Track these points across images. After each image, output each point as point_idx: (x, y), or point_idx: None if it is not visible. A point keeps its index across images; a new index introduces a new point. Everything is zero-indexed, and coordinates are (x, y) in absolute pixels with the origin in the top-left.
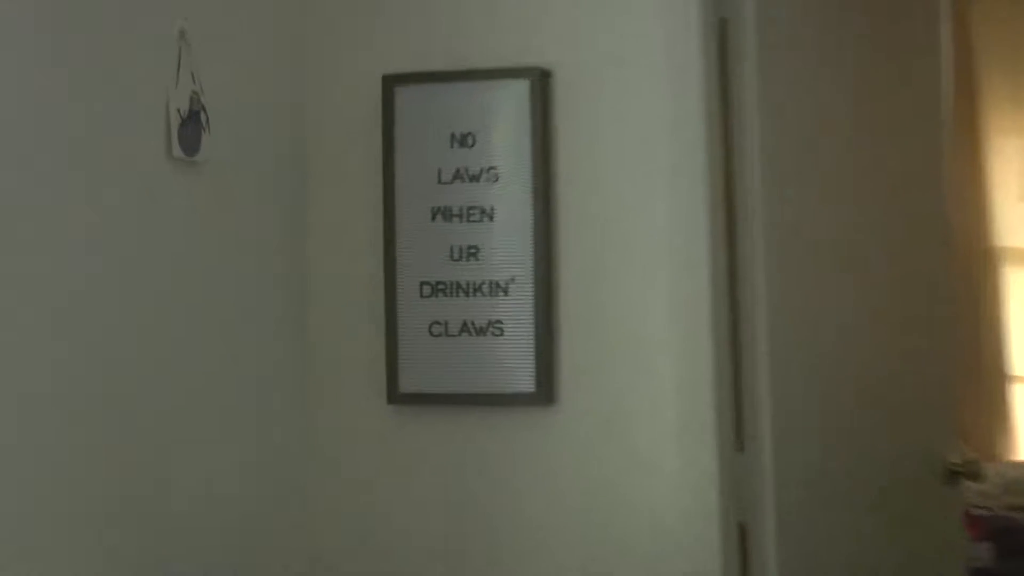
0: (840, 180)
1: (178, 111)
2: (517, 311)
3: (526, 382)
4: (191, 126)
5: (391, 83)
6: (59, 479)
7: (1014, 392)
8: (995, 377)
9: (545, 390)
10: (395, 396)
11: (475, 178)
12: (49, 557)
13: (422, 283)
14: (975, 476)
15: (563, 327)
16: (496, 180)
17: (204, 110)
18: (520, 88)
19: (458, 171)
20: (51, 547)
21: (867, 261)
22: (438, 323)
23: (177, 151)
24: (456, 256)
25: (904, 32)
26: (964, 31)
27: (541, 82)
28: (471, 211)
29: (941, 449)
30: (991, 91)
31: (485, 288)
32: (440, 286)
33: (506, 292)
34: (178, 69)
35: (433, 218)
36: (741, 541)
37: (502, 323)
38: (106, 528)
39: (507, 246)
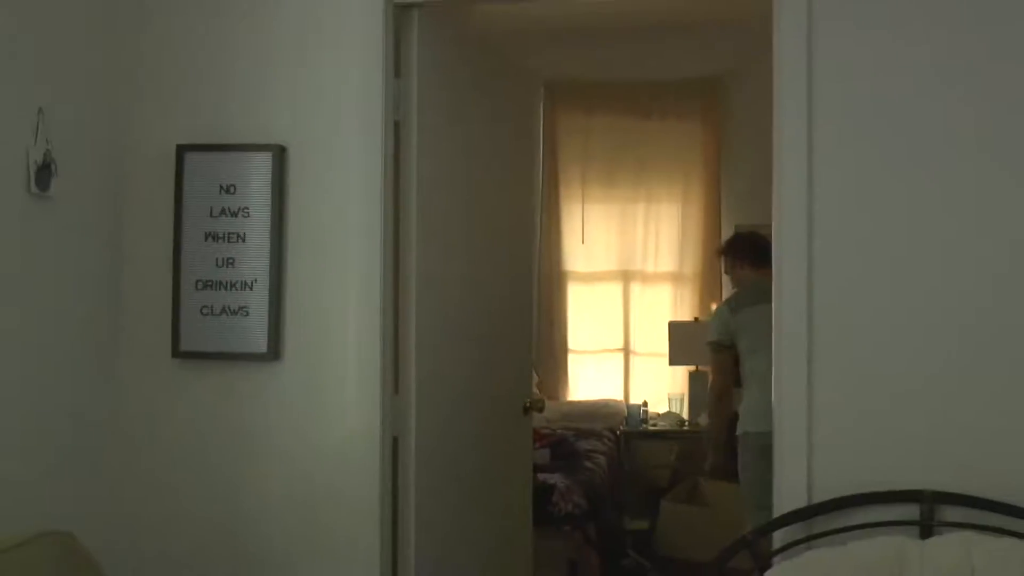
0: (464, 231)
1: (35, 161)
2: (259, 300)
3: (263, 345)
4: (45, 171)
5: (182, 150)
6: None
7: (569, 359)
8: (560, 350)
9: (274, 351)
10: (177, 353)
11: (235, 214)
12: None
13: (197, 281)
14: (540, 409)
15: (288, 312)
16: (248, 216)
17: (54, 162)
18: (265, 158)
19: (224, 209)
20: None
21: (485, 280)
22: (207, 307)
23: (34, 188)
24: (220, 264)
25: (512, 138)
26: (552, 138)
27: (279, 154)
28: (231, 235)
29: (522, 393)
30: (565, 173)
31: (238, 285)
32: (209, 283)
33: (251, 288)
34: (36, 133)
35: (206, 239)
36: (394, 447)
37: (248, 307)
38: None
39: (253, 259)
